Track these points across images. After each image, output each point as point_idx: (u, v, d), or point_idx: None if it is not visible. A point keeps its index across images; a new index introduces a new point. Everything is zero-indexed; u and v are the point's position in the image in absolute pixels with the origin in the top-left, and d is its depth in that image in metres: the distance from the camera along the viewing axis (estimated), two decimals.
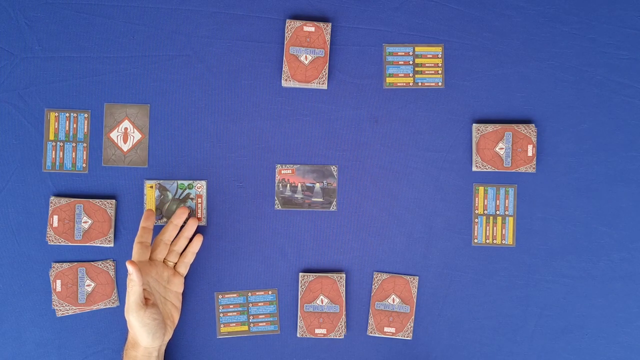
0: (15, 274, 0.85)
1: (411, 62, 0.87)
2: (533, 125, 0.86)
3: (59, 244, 0.85)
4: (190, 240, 0.84)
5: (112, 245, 0.85)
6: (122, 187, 0.86)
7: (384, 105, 0.87)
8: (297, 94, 0.87)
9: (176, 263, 0.83)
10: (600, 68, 0.87)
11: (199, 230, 0.86)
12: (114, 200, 0.85)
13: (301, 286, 0.85)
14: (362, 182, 0.87)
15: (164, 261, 0.82)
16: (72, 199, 0.85)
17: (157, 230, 0.85)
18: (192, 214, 0.86)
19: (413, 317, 0.86)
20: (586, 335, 0.86)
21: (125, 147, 0.86)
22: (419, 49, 0.88)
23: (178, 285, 0.82)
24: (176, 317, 0.82)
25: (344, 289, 0.85)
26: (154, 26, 0.87)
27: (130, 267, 0.74)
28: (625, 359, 0.86)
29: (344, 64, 0.88)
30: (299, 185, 0.87)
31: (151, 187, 0.86)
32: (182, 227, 0.84)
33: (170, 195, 0.86)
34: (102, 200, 0.85)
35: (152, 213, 0.82)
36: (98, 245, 0.85)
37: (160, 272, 0.81)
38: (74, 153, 0.86)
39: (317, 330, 0.85)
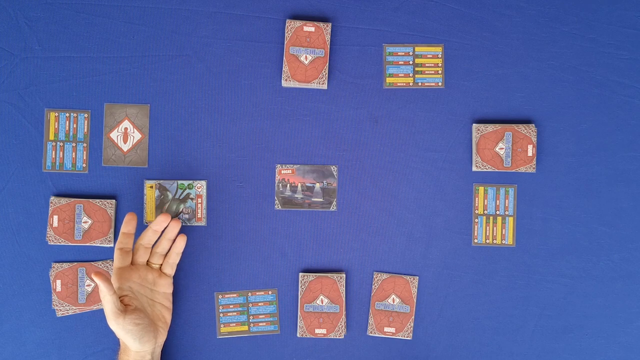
0: (15, 274, 0.85)
1: (411, 62, 0.87)
2: (533, 125, 0.86)
3: (59, 244, 0.85)
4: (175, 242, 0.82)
5: (112, 245, 0.85)
6: (122, 187, 0.86)
7: (384, 105, 0.87)
8: (297, 94, 0.87)
9: (162, 264, 0.82)
10: (600, 68, 0.87)
11: (198, 230, 0.86)
12: (114, 200, 0.85)
13: (301, 286, 0.85)
14: (362, 182, 0.87)
15: (147, 263, 0.82)
16: (72, 199, 0.85)
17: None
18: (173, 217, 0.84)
19: (413, 317, 0.86)
20: (586, 335, 0.86)
21: (125, 147, 0.86)
22: (419, 49, 0.87)
23: (166, 287, 0.82)
24: (168, 317, 0.82)
25: (344, 289, 0.85)
26: (154, 26, 0.87)
27: (96, 279, 0.72)
28: (625, 359, 0.86)
29: (344, 64, 0.87)
30: (299, 185, 0.87)
31: (151, 187, 0.86)
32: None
33: (170, 195, 0.86)
34: (102, 200, 0.85)
35: (133, 218, 0.80)
36: (98, 245, 0.85)
37: (143, 276, 0.80)
38: (74, 153, 0.86)
39: (317, 330, 0.85)
